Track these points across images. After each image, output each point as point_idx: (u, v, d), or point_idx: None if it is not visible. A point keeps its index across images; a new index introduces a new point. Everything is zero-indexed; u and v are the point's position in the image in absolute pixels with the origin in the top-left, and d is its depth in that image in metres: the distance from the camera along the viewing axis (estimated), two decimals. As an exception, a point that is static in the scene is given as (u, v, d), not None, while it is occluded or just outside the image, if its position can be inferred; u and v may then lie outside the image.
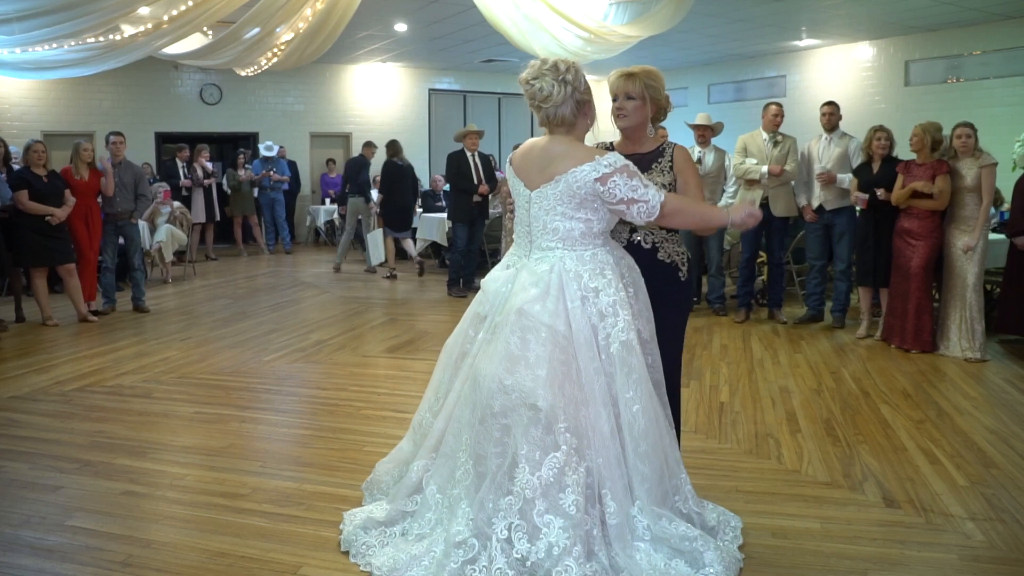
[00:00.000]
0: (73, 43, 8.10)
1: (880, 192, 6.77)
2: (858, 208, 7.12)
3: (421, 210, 12.25)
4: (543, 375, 2.89)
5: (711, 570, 2.90)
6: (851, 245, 7.34)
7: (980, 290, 6.53)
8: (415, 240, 11.89)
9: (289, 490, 3.83)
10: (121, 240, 8.69)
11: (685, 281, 3.41)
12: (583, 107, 3.14)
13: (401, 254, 11.73)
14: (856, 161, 7.26)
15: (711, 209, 3.26)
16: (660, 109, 3.42)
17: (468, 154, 9.58)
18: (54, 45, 8.03)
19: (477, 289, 3.39)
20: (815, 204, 7.50)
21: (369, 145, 12.15)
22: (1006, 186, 8.20)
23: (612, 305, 3.01)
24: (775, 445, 4.47)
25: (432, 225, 11.66)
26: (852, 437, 4.60)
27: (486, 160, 9.80)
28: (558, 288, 3.01)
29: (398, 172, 10.76)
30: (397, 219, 10.91)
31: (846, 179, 7.22)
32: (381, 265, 11.45)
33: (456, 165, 9.61)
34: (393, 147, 10.90)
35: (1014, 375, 5.96)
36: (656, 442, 3.01)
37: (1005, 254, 6.92)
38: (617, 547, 2.90)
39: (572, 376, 2.94)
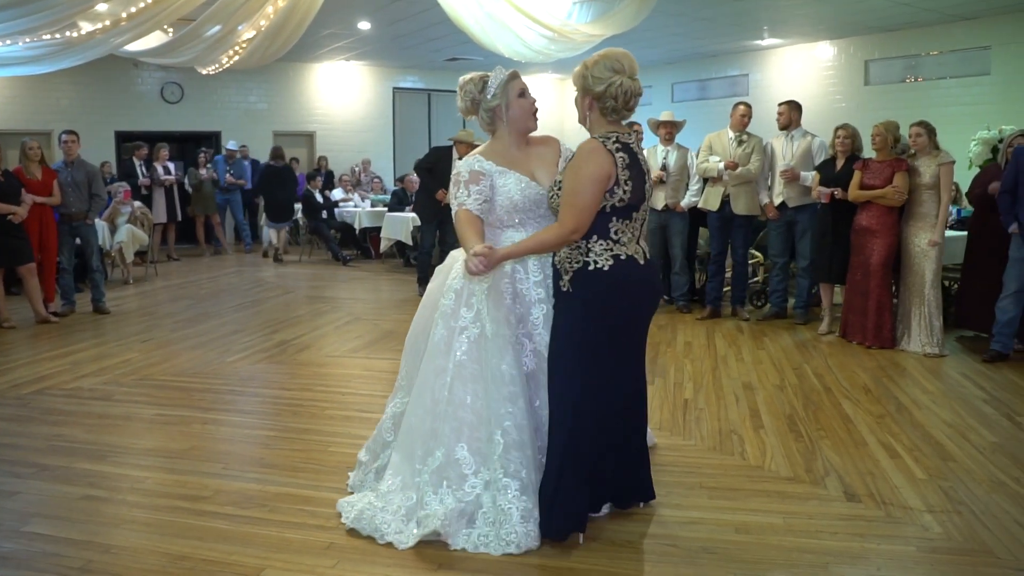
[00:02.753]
0: (28, 40, 7.96)
1: (837, 192, 6.87)
2: (819, 203, 7.19)
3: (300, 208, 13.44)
4: (409, 333, 3.77)
5: (347, 518, 3.43)
6: (814, 242, 7.42)
7: (938, 286, 6.64)
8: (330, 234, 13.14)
9: (252, 492, 3.79)
10: (78, 241, 8.55)
11: (567, 292, 3.23)
12: (494, 112, 3.45)
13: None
14: (820, 158, 7.36)
15: (467, 240, 3.27)
16: (599, 97, 3.18)
17: (455, 156, 9.35)
18: (8, 42, 7.89)
19: None
20: (777, 201, 7.59)
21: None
22: (964, 184, 8.35)
23: (448, 288, 3.50)
24: (738, 441, 4.51)
25: (397, 224, 11.62)
26: (814, 432, 4.65)
27: None
28: (448, 269, 3.62)
29: (276, 173, 12.80)
30: (276, 212, 13.01)
31: (808, 177, 7.31)
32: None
33: (434, 160, 9.32)
34: (274, 152, 13.07)
35: (971, 370, 6.07)
36: (420, 409, 3.44)
37: (962, 251, 7.05)
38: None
39: (424, 338, 3.57)
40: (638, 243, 3.29)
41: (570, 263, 3.22)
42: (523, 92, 3.46)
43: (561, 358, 3.26)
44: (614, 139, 3.16)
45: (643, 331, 3.43)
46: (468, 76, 3.54)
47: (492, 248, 3.14)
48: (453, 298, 3.45)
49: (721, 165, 7.59)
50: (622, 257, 3.19)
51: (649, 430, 4.20)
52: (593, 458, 3.28)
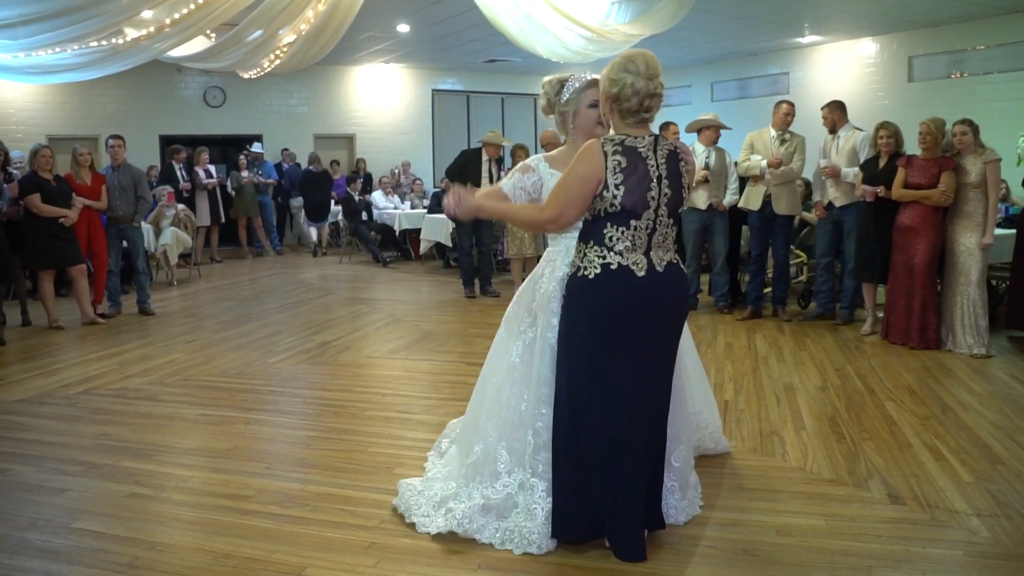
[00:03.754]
0: (76, 47, 8.13)
1: (880, 190, 6.75)
2: (865, 200, 7.07)
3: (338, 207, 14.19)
4: None
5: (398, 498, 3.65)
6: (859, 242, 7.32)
7: (984, 285, 6.52)
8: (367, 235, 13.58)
9: (294, 491, 3.84)
10: (124, 244, 8.71)
11: (564, 297, 3.26)
12: (565, 117, 3.52)
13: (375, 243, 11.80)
14: (864, 154, 7.24)
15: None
16: (616, 99, 3.11)
17: (485, 157, 9.40)
18: (57, 49, 8.06)
19: (493, 292, 3.69)
20: (825, 201, 7.48)
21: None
22: (1012, 181, 8.19)
23: (517, 293, 3.66)
24: (780, 443, 4.47)
25: (437, 226, 11.67)
26: (857, 434, 4.59)
27: (500, 166, 9.57)
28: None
29: (314, 177, 14.30)
30: (314, 212, 14.57)
31: (850, 173, 7.21)
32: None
33: (464, 163, 9.39)
34: (311, 158, 14.54)
35: (1019, 370, 5.95)
36: (473, 404, 3.69)
37: (1011, 249, 6.90)
38: None
39: None
40: (647, 253, 3.12)
41: (571, 269, 3.22)
42: (595, 103, 3.41)
43: (560, 365, 3.26)
44: (618, 141, 3.08)
45: (647, 347, 3.16)
46: (550, 77, 3.60)
47: (470, 192, 3.29)
48: (517, 301, 3.58)
49: (764, 163, 7.51)
50: (612, 266, 3.08)
51: (723, 436, 4.32)
52: (596, 471, 3.16)
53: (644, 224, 3.10)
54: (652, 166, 3.09)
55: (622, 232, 3.08)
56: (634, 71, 3.06)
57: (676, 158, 3.19)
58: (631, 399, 3.13)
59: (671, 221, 3.19)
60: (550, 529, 3.21)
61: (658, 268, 3.13)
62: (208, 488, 3.92)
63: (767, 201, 7.61)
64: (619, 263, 3.08)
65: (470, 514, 3.29)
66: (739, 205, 7.93)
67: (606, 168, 3.04)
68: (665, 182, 3.12)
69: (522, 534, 3.22)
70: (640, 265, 3.10)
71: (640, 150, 3.09)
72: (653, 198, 3.08)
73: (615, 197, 3.04)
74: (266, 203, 14.22)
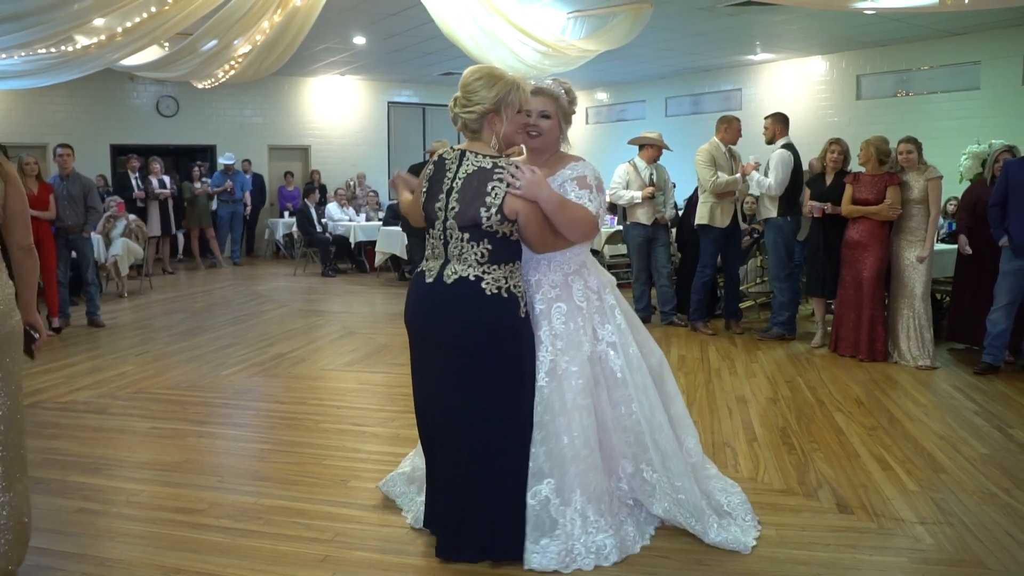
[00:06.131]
0: (24, 53, 7.99)
1: (828, 207, 6.91)
2: (811, 216, 7.19)
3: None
4: None
5: None
6: (776, 256, 7.49)
7: (928, 299, 6.68)
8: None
9: (246, 505, 3.80)
10: (74, 254, 8.56)
11: None
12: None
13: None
14: (774, 172, 7.31)
15: None
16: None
17: None
18: (3, 56, 7.92)
19: None
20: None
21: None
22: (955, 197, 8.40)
23: None
24: (732, 454, 4.53)
25: (392, 238, 11.64)
26: (807, 445, 4.67)
27: None
28: None
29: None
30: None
31: (753, 177, 7.43)
32: None
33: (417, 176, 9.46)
34: (243, 166, 14.84)
35: (962, 382, 6.11)
36: None
37: (953, 264, 7.10)
38: None
39: None
40: (444, 264, 3.12)
41: None
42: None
43: None
44: (439, 153, 3.26)
45: (425, 354, 3.24)
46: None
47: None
48: None
49: (738, 174, 7.51)
50: (417, 271, 3.29)
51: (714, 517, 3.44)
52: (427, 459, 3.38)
53: (437, 233, 3.18)
54: (448, 178, 3.15)
55: (427, 240, 3.26)
56: None
57: (486, 176, 3.05)
58: (419, 399, 3.33)
59: (466, 236, 3.06)
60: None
61: (446, 280, 3.10)
62: (159, 502, 3.87)
63: (733, 217, 7.65)
64: (422, 269, 3.26)
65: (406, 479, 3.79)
66: (704, 222, 7.71)
67: (423, 179, 3.26)
68: (455, 196, 3.09)
69: (417, 507, 3.54)
70: (431, 274, 3.18)
71: (447, 162, 3.20)
72: (440, 210, 3.14)
73: (420, 206, 3.24)
74: (236, 213, 14.07)
